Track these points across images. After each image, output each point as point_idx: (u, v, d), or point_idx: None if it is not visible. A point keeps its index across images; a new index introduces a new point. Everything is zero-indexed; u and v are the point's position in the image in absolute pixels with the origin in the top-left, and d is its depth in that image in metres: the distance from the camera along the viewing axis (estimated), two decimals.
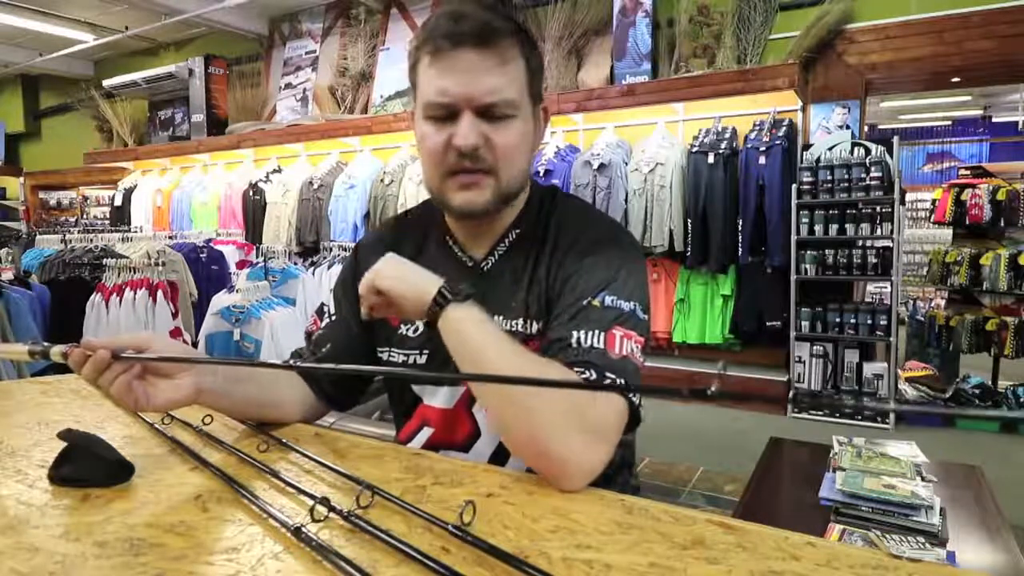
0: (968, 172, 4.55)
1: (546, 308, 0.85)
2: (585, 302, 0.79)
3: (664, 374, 3.87)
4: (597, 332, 0.77)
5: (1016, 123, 8.67)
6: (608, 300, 0.79)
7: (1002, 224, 4.12)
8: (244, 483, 0.64)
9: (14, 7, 5.55)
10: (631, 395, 0.75)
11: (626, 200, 3.80)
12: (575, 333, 0.77)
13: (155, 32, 6.05)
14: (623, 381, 0.75)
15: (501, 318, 0.87)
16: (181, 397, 0.75)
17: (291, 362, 0.97)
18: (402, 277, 0.78)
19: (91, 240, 3.78)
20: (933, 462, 1.59)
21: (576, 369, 0.74)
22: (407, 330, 0.92)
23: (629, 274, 0.82)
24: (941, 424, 3.52)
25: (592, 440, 0.69)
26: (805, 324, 3.57)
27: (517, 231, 0.91)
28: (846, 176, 3.43)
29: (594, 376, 0.74)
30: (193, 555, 0.52)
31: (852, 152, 3.49)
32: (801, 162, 3.59)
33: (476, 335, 0.74)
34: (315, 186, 4.85)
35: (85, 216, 8.07)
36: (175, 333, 3.09)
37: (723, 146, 3.63)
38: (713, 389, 0.39)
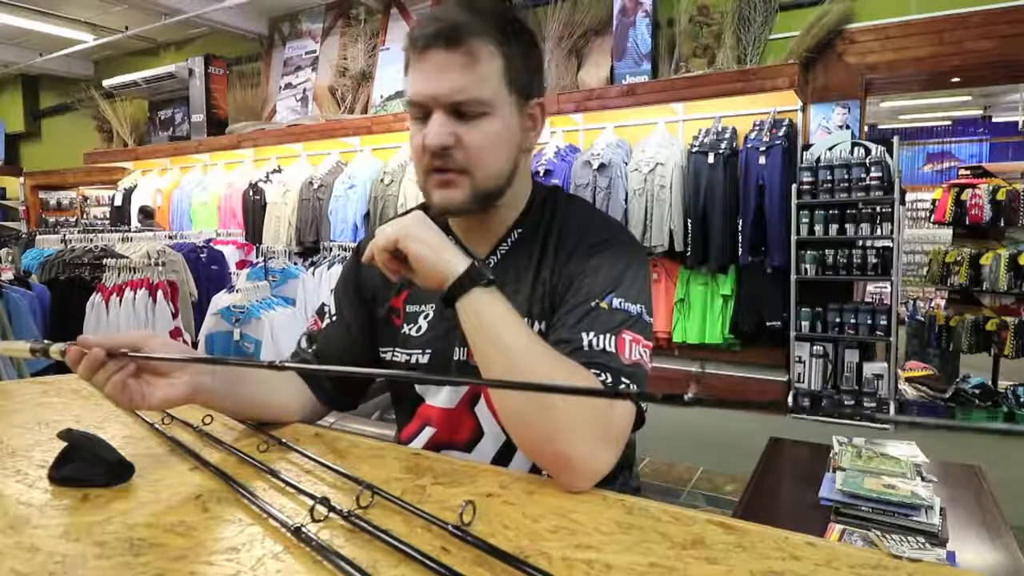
0: (968, 172, 4.56)
1: (550, 309, 0.85)
2: (593, 304, 0.79)
3: (664, 374, 3.87)
4: (607, 336, 0.77)
5: (1016, 123, 8.67)
6: (616, 302, 0.79)
7: (1002, 224, 4.13)
8: (244, 483, 0.64)
9: (14, 7, 5.55)
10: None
11: (626, 200, 3.80)
12: (584, 336, 0.77)
13: (155, 32, 6.05)
14: (635, 389, 0.75)
15: None
16: (177, 396, 0.75)
17: (291, 363, 0.97)
18: (431, 244, 0.74)
19: (91, 240, 3.77)
20: (933, 462, 1.59)
21: (592, 371, 0.74)
22: (410, 329, 0.92)
23: (635, 276, 0.82)
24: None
25: (605, 443, 0.69)
26: (805, 324, 3.56)
27: (519, 231, 0.91)
28: (846, 176, 3.43)
29: (610, 380, 0.74)
30: (193, 555, 0.52)
31: (852, 152, 3.49)
32: (801, 162, 3.59)
33: (500, 322, 0.72)
34: (315, 186, 4.85)
35: (85, 216, 8.07)
36: (175, 333, 3.09)
37: (723, 146, 3.63)
38: (690, 395, 0.38)
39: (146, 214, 5.53)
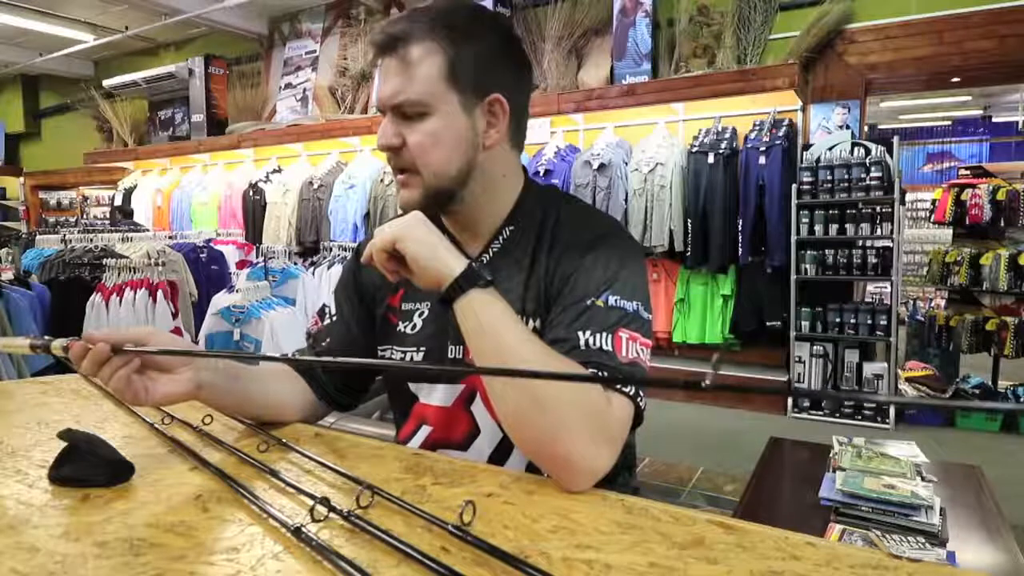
0: (968, 172, 4.55)
1: (544, 306, 0.85)
2: (588, 302, 0.79)
3: (664, 374, 3.88)
4: (604, 334, 0.77)
5: (1016, 123, 8.67)
6: (612, 300, 0.79)
7: (1002, 224, 4.12)
8: (244, 483, 0.64)
9: (14, 7, 5.55)
10: (638, 398, 0.75)
11: (626, 200, 3.80)
12: (581, 335, 0.77)
13: (155, 32, 6.05)
14: (632, 387, 0.75)
15: None
16: (180, 391, 0.75)
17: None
18: (429, 244, 0.75)
19: (91, 240, 3.77)
20: (933, 462, 1.59)
21: (590, 370, 0.74)
22: (406, 327, 0.92)
23: (631, 273, 0.82)
24: (941, 424, 3.52)
25: (604, 442, 0.69)
26: (805, 324, 3.57)
27: (511, 228, 0.90)
28: (846, 176, 3.43)
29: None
30: (193, 555, 0.52)
31: (852, 152, 3.49)
32: (801, 162, 3.59)
33: (498, 323, 0.73)
34: (315, 186, 4.85)
35: (85, 216, 8.07)
36: (175, 333, 3.09)
37: (723, 146, 3.63)
38: (707, 382, 0.39)
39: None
